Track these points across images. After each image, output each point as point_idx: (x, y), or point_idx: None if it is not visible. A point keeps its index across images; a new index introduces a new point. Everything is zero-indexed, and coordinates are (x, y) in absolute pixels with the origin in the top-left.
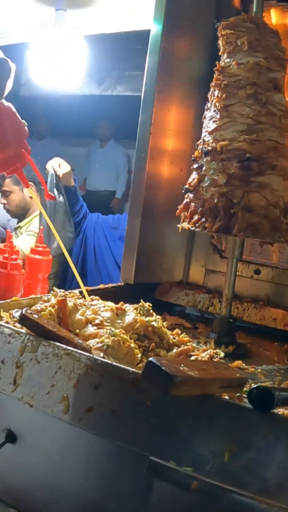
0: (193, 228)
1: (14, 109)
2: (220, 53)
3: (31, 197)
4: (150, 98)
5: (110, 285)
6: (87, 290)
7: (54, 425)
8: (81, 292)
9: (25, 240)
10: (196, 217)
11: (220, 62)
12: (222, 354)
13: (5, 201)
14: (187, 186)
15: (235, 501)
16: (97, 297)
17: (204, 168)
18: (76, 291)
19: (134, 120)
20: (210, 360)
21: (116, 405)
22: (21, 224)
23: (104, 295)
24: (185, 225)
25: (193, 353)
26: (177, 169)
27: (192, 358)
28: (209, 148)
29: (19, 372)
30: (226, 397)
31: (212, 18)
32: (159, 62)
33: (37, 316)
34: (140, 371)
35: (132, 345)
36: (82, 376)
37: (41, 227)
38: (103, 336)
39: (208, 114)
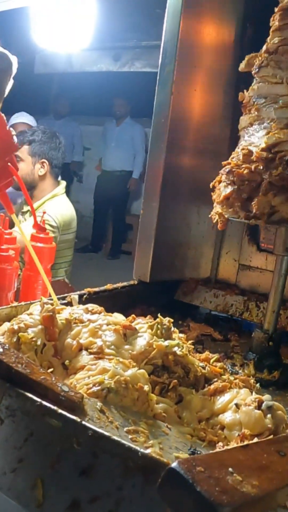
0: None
1: (4, 118)
2: None
3: (41, 176)
4: (171, 54)
5: (120, 284)
6: (89, 293)
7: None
8: (81, 296)
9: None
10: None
11: None
12: (271, 403)
13: None
14: None
15: None
16: (99, 308)
17: None
18: (76, 295)
19: (152, 97)
20: (270, 438)
21: (115, 504)
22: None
23: (113, 297)
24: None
25: (230, 394)
26: (205, 139)
27: (232, 402)
28: None
29: None
30: None
31: None
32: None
33: (1, 350)
34: (154, 456)
35: (146, 387)
36: (64, 452)
37: (43, 210)
38: (106, 371)
39: None
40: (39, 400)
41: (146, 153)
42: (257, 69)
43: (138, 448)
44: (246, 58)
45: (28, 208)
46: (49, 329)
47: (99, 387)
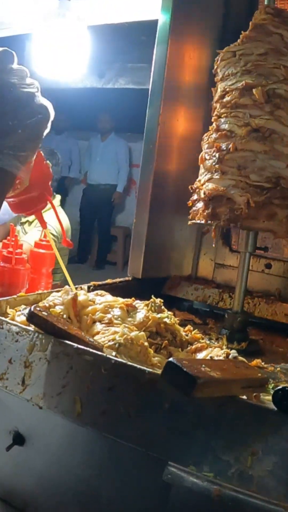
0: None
1: (42, 154)
2: None
3: None
4: (158, 87)
5: (117, 279)
6: (94, 285)
7: (65, 427)
8: (88, 287)
9: (36, 235)
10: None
11: None
12: (236, 354)
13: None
14: None
15: (259, 508)
16: (106, 293)
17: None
18: (85, 286)
19: (135, 114)
20: (230, 359)
21: (131, 407)
22: (29, 218)
23: (111, 290)
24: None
25: (206, 351)
26: (186, 161)
27: (208, 356)
28: None
29: (28, 372)
30: (244, 397)
31: (221, 6)
32: (168, 53)
33: (46, 314)
34: (156, 371)
35: (146, 343)
36: (95, 377)
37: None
38: (116, 333)
39: None
40: (76, 345)
41: (130, 167)
42: (272, 109)
43: (145, 368)
44: (258, 89)
45: (27, 218)
46: (73, 306)
47: (112, 343)
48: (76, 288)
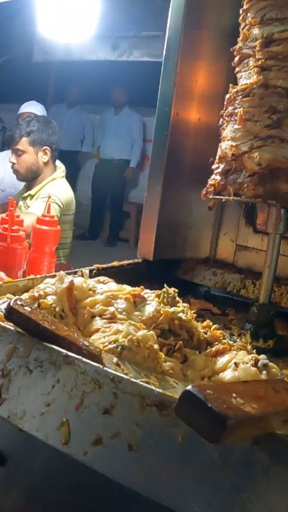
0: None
1: None
2: None
3: (45, 163)
4: (175, 46)
5: (125, 262)
6: (98, 268)
7: (51, 449)
8: (91, 271)
9: (42, 206)
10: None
11: None
12: (266, 361)
13: (15, 161)
14: None
15: None
16: (109, 279)
17: None
18: (87, 270)
19: (150, 87)
20: (264, 378)
21: (134, 438)
22: (31, 192)
23: (119, 273)
24: None
25: (229, 355)
26: (205, 128)
27: (231, 362)
28: None
29: (6, 383)
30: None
31: None
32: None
33: (29, 309)
34: (169, 394)
35: (156, 346)
36: (88, 395)
37: (48, 194)
38: (119, 332)
39: None
40: (65, 351)
41: (144, 142)
42: None
43: (153, 387)
44: None
45: (29, 193)
46: (69, 298)
47: (114, 345)
48: (75, 272)
